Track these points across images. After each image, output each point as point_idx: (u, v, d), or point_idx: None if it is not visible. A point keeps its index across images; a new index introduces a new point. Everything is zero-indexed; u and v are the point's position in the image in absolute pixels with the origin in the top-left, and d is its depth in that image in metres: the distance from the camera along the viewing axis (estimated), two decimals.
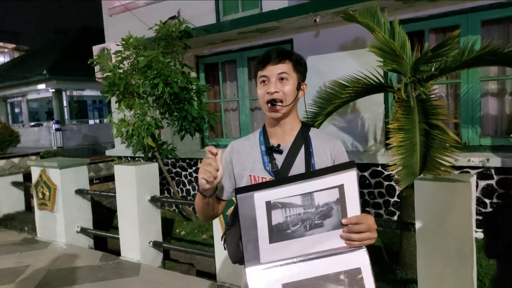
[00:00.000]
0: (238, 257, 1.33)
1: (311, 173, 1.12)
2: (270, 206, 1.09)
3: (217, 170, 1.19)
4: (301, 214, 1.11)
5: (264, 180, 1.31)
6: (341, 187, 1.11)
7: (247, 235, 1.11)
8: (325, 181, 1.10)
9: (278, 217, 1.10)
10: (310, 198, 1.10)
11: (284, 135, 1.38)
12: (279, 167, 1.32)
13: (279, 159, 1.34)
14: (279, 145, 1.35)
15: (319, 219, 1.12)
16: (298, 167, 1.32)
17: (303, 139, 1.37)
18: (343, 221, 1.13)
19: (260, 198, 1.08)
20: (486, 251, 1.90)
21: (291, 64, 1.34)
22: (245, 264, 1.14)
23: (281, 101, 1.31)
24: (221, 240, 1.41)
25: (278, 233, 1.11)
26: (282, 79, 1.31)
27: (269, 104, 1.31)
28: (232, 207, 3.30)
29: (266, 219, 1.10)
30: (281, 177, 1.26)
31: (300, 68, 1.37)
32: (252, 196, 1.07)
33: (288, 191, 1.09)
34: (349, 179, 1.11)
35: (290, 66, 1.33)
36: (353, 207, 1.13)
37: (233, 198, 1.26)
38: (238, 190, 1.09)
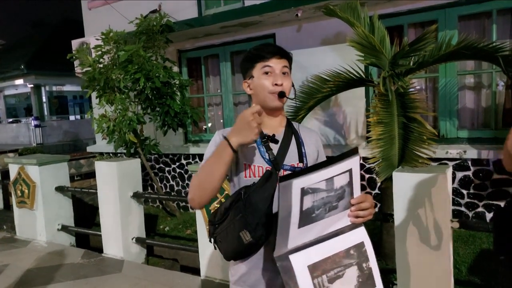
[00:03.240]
0: (238, 252, 1.30)
1: (331, 160, 1.17)
2: (303, 192, 1.12)
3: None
4: (324, 198, 1.17)
5: (261, 168, 1.36)
6: (350, 171, 1.20)
7: (282, 223, 1.14)
8: (341, 166, 1.17)
9: (308, 202, 1.14)
10: (332, 183, 1.16)
11: (276, 126, 1.44)
12: (275, 156, 1.37)
13: (274, 148, 1.38)
14: (274, 135, 1.40)
15: (336, 201, 1.21)
16: (292, 156, 1.39)
17: (291, 130, 1.45)
18: (352, 201, 1.24)
19: (297, 184, 1.10)
20: (495, 247, 1.82)
21: (288, 62, 1.42)
22: (274, 252, 1.17)
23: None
24: (210, 241, 1.38)
25: (305, 218, 1.16)
26: (284, 73, 1.39)
27: (275, 95, 1.37)
28: (215, 202, 3.25)
29: (298, 205, 1.13)
30: (313, 164, 1.29)
31: (291, 67, 1.45)
32: (291, 184, 1.09)
33: (318, 177, 1.13)
34: (355, 164, 1.21)
35: (288, 63, 1.41)
36: (357, 188, 1.25)
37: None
38: (282, 178, 1.10)
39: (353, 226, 1.28)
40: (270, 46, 1.40)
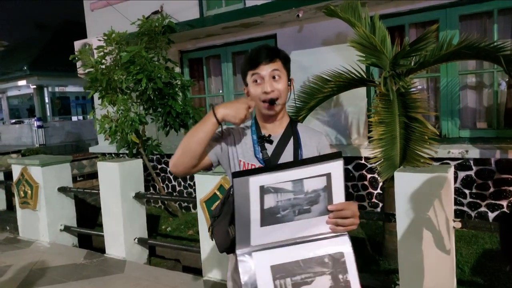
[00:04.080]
0: (226, 246, 1.34)
1: (301, 161, 1.16)
2: (263, 191, 1.12)
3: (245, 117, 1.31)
4: (291, 199, 1.15)
5: (253, 167, 1.37)
6: (328, 176, 1.15)
7: (240, 218, 1.14)
8: (314, 169, 1.13)
9: (270, 201, 1.13)
10: (300, 185, 1.14)
11: (275, 127, 1.44)
12: (269, 156, 1.38)
13: (269, 148, 1.40)
14: (270, 135, 1.41)
15: (308, 205, 1.17)
16: (287, 157, 1.40)
17: (291, 131, 1.44)
18: (329, 207, 1.19)
19: (255, 182, 1.10)
20: (502, 257, 1.68)
21: (281, 61, 1.39)
22: (236, 246, 1.17)
23: (277, 99, 1.37)
24: (208, 231, 1.43)
25: (269, 217, 1.15)
26: (274, 77, 1.36)
27: (266, 103, 1.36)
28: (218, 202, 3.30)
29: (259, 203, 1.12)
30: (273, 164, 1.31)
31: (288, 64, 1.43)
32: (248, 181, 1.09)
33: (281, 177, 1.12)
34: (336, 169, 1.16)
35: (280, 64, 1.38)
36: (339, 194, 1.19)
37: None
38: (235, 174, 1.11)
39: (336, 234, 1.21)
40: (259, 52, 1.37)
